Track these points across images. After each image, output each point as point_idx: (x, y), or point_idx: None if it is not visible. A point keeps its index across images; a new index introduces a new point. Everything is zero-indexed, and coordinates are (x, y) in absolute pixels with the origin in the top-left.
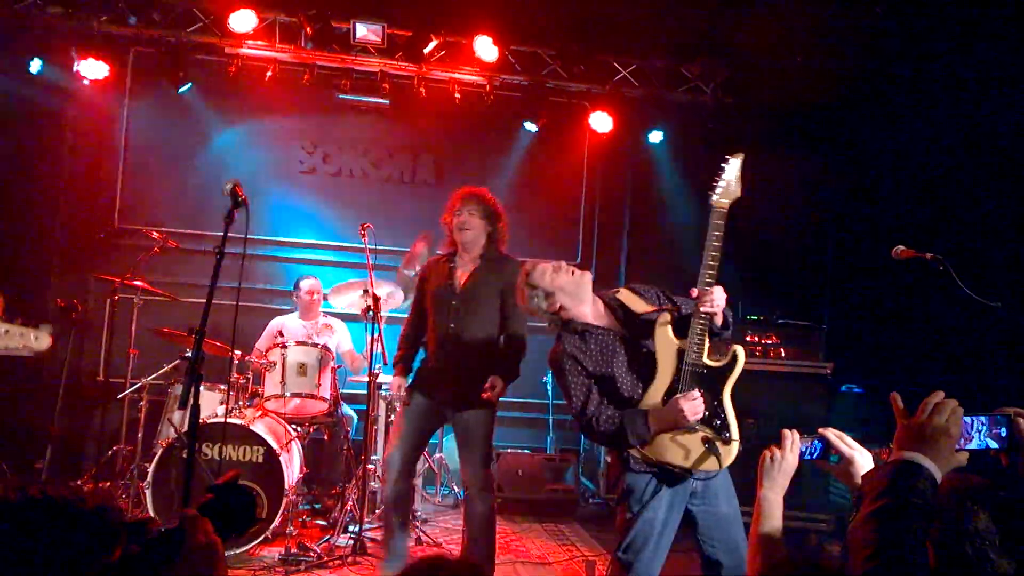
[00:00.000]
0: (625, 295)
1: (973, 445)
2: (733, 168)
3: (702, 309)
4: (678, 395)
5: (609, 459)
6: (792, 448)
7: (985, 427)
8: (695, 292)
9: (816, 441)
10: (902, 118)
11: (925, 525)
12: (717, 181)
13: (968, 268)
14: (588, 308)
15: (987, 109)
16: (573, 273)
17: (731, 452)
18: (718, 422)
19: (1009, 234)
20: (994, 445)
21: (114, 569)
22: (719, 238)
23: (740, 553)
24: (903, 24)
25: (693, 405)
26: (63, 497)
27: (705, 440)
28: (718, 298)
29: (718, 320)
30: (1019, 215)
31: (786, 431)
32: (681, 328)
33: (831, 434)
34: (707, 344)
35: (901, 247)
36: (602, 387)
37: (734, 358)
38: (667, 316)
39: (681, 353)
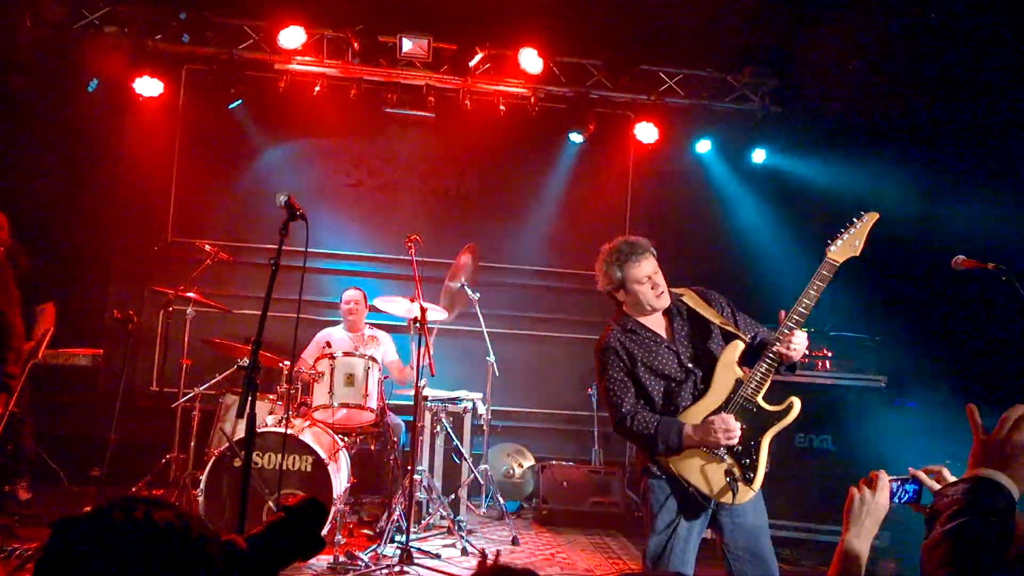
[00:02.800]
0: (691, 298)
1: None
2: (862, 225)
3: (777, 348)
4: (718, 417)
5: (636, 459)
6: (883, 489)
7: None
8: (783, 315)
9: (909, 483)
10: (959, 125)
11: (1004, 545)
12: (841, 233)
13: None
14: (652, 313)
15: None
16: (659, 295)
17: (748, 493)
18: (747, 461)
19: None
20: None
21: None
22: (820, 288)
23: (767, 565)
24: (957, 30)
25: (728, 428)
26: (168, 524)
27: (728, 473)
28: (798, 343)
29: (794, 360)
30: None
31: (878, 472)
32: (746, 356)
33: (923, 475)
34: (767, 384)
35: (962, 257)
36: (637, 387)
37: (788, 408)
38: (740, 345)
39: (738, 384)
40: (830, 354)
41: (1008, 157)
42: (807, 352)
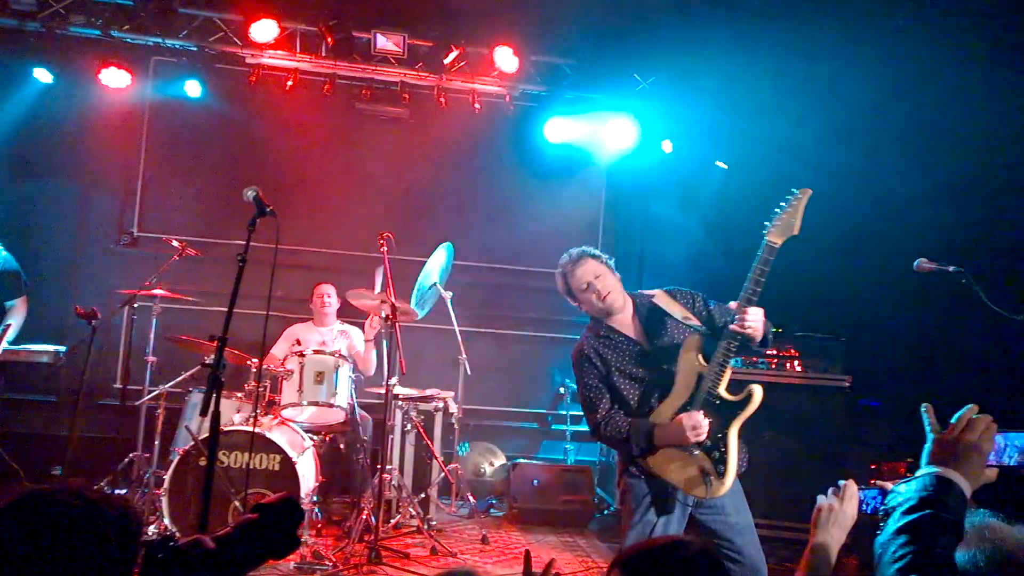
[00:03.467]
0: (661, 298)
1: (1007, 461)
2: (795, 203)
3: (734, 328)
4: (683, 413)
5: (618, 460)
6: (851, 499)
7: (1018, 444)
8: (735, 305)
9: (873, 491)
10: (925, 129)
11: (955, 541)
12: (777, 214)
13: (992, 281)
14: (617, 315)
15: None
16: (603, 299)
17: (722, 487)
18: (717, 454)
19: None
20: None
21: None
22: (763, 272)
23: (756, 562)
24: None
25: (696, 425)
26: (122, 510)
27: (701, 468)
28: (752, 319)
29: (756, 336)
30: None
31: (845, 481)
32: (712, 345)
33: (890, 485)
34: (728, 374)
35: (923, 260)
36: (613, 393)
37: (748, 397)
38: (697, 338)
39: (700, 378)
40: (796, 354)
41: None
42: (775, 352)
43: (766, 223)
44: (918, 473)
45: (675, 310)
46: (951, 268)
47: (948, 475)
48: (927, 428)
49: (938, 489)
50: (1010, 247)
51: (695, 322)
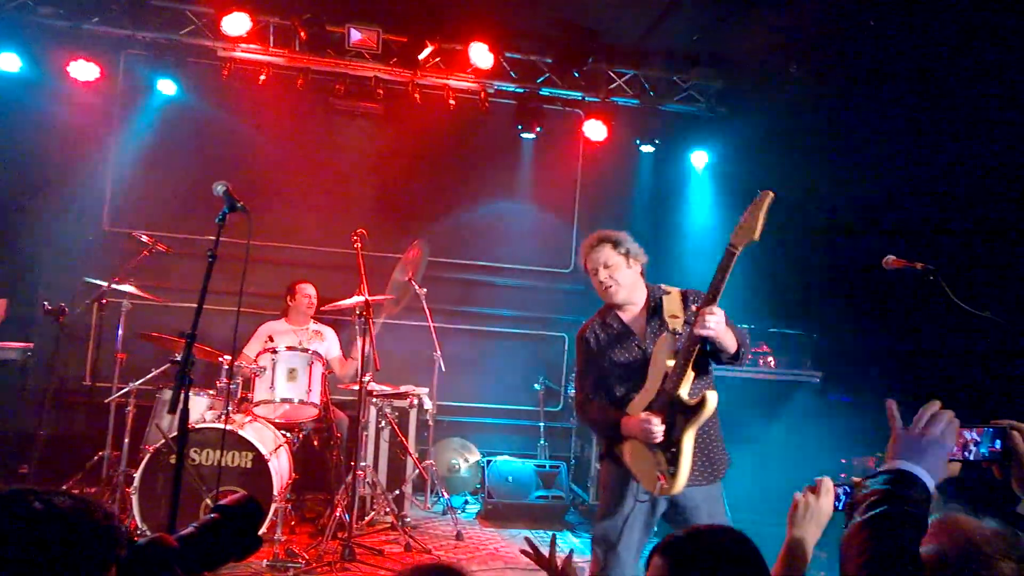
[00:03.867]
0: (670, 299)
1: (969, 456)
2: (759, 206)
3: (695, 331)
4: (643, 414)
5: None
6: (826, 494)
7: (980, 439)
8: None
9: (848, 487)
10: (894, 128)
11: (918, 535)
12: (739, 219)
13: (960, 278)
14: (627, 306)
15: (980, 117)
16: (606, 289)
17: (673, 487)
18: (670, 455)
19: (1000, 243)
20: (988, 457)
21: None
22: (723, 278)
23: None
24: (896, 33)
25: (649, 428)
26: (72, 508)
27: (657, 465)
28: (711, 321)
29: (728, 346)
30: (1010, 224)
31: (822, 478)
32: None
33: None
34: (689, 377)
35: (892, 257)
36: (602, 378)
37: (701, 403)
38: (670, 339)
39: (665, 377)
40: (769, 350)
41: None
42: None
43: (733, 235)
44: (881, 468)
45: (672, 318)
46: (919, 265)
47: (911, 470)
48: (892, 423)
49: (901, 484)
50: (978, 244)
51: (678, 326)
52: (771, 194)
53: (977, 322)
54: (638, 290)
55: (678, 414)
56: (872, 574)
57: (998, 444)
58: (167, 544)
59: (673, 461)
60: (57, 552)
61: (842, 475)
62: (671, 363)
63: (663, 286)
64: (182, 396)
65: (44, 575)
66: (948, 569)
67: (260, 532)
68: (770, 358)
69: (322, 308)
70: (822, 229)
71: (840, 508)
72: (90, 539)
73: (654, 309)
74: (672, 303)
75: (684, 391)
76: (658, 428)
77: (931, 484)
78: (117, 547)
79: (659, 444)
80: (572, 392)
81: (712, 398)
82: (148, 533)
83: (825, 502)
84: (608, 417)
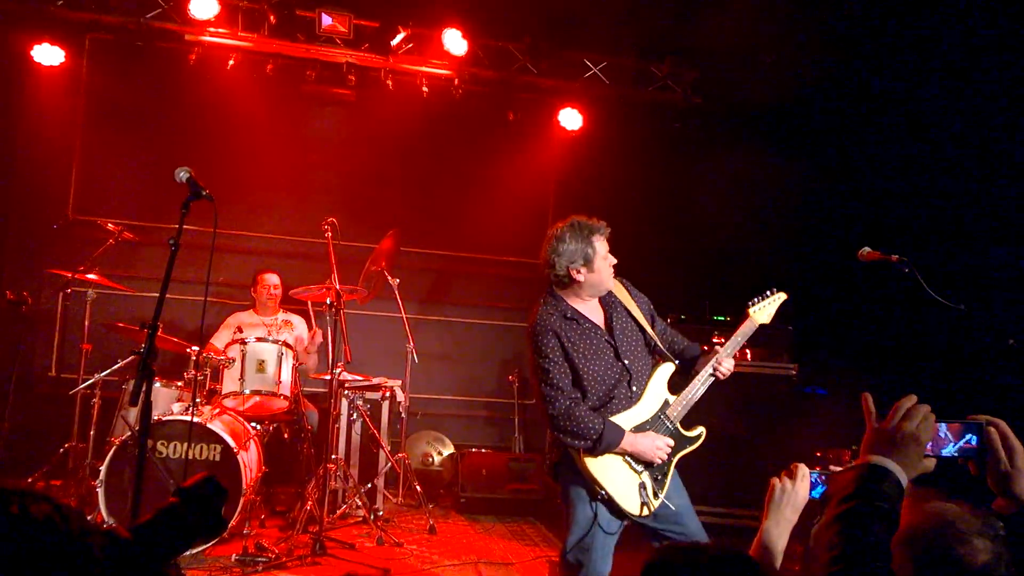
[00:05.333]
0: (619, 289)
1: (944, 452)
2: (775, 301)
3: (717, 371)
4: (654, 432)
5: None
6: (803, 479)
7: (955, 435)
8: (716, 339)
9: (823, 475)
10: (869, 118)
11: (890, 529)
12: (760, 300)
13: (934, 270)
14: (586, 297)
15: (953, 109)
16: (612, 276)
17: (652, 507)
18: (659, 476)
19: (975, 235)
20: (963, 453)
21: None
22: (740, 343)
23: (702, 539)
24: (870, 23)
25: (662, 448)
26: (47, 517)
27: (641, 486)
28: (728, 367)
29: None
30: (984, 216)
31: (798, 464)
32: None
33: (838, 469)
34: (689, 408)
35: (867, 249)
36: (575, 378)
37: (698, 436)
38: (671, 369)
39: (665, 404)
40: (744, 343)
41: (919, 148)
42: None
43: (750, 302)
44: (854, 462)
45: (637, 314)
46: (894, 257)
47: (884, 464)
48: (867, 417)
49: (874, 478)
50: (950, 235)
51: (653, 334)
52: (785, 296)
53: (952, 314)
54: None
55: (673, 439)
56: (842, 569)
57: (974, 440)
58: (119, 535)
59: (660, 484)
60: (26, 560)
61: (817, 467)
62: (670, 397)
63: None
64: (144, 388)
65: None
66: (919, 543)
67: (224, 513)
68: (746, 351)
69: (290, 293)
70: (797, 220)
71: (816, 495)
72: (63, 552)
73: (610, 304)
74: (628, 300)
75: (680, 422)
76: (668, 452)
77: (904, 480)
78: (92, 561)
79: (648, 466)
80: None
81: (703, 434)
82: (114, 526)
83: (801, 487)
84: (613, 431)
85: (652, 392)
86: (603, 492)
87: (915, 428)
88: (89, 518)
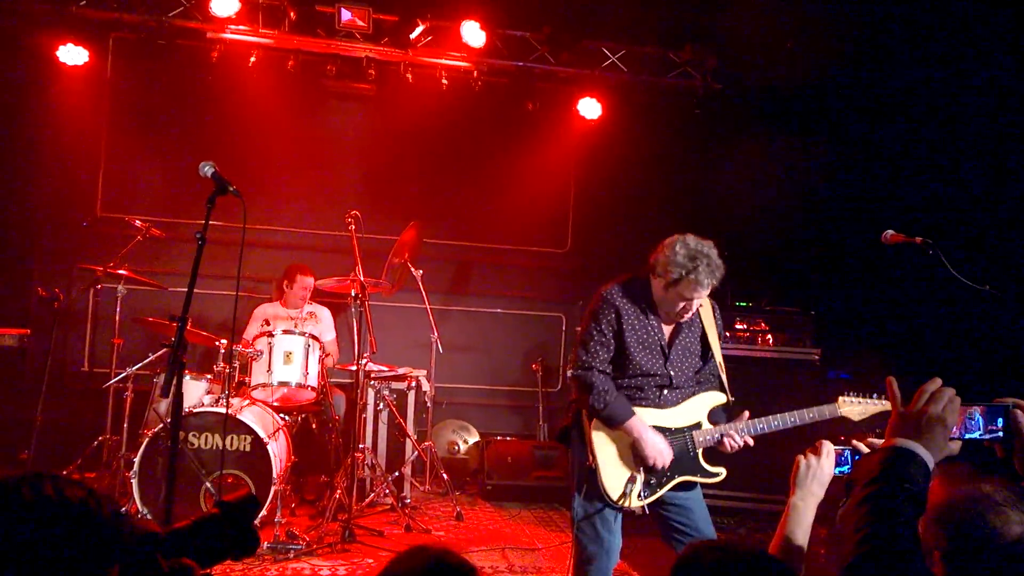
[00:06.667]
0: (706, 310)
1: (970, 435)
2: (876, 405)
3: (726, 440)
4: (660, 437)
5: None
6: (827, 456)
7: (981, 417)
8: (739, 324)
9: (847, 451)
10: (890, 102)
11: (917, 511)
12: (861, 401)
13: (959, 252)
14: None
15: (976, 91)
16: (686, 311)
17: (630, 503)
18: (653, 481)
19: (999, 217)
20: (989, 436)
21: None
22: (810, 420)
23: (708, 532)
24: (890, 6)
25: (661, 455)
26: (81, 501)
27: (631, 479)
28: (737, 446)
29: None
30: (1008, 198)
31: (821, 440)
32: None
33: (861, 444)
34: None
35: (891, 231)
36: (619, 356)
37: (717, 475)
38: (720, 400)
39: (697, 427)
40: (767, 328)
41: (942, 132)
42: (745, 326)
43: (845, 396)
44: (881, 446)
45: (713, 337)
46: (918, 239)
47: (911, 447)
48: (892, 401)
49: (901, 461)
50: (974, 217)
51: (719, 364)
52: (890, 406)
53: (977, 296)
54: None
55: (681, 458)
56: (870, 550)
57: (1000, 423)
58: (150, 532)
59: (651, 491)
60: (58, 542)
61: (841, 440)
62: (707, 422)
63: None
64: (175, 380)
65: (42, 563)
66: (953, 516)
67: (260, 516)
68: (768, 336)
69: (316, 284)
70: (819, 205)
71: (841, 472)
72: (95, 535)
73: (688, 322)
74: (708, 321)
75: (702, 451)
76: (666, 462)
77: (931, 463)
78: (121, 547)
79: (648, 466)
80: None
81: (723, 474)
82: (148, 516)
83: (826, 463)
84: (623, 404)
85: (690, 408)
86: (593, 463)
87: (941, 411)
88: (123, 509)
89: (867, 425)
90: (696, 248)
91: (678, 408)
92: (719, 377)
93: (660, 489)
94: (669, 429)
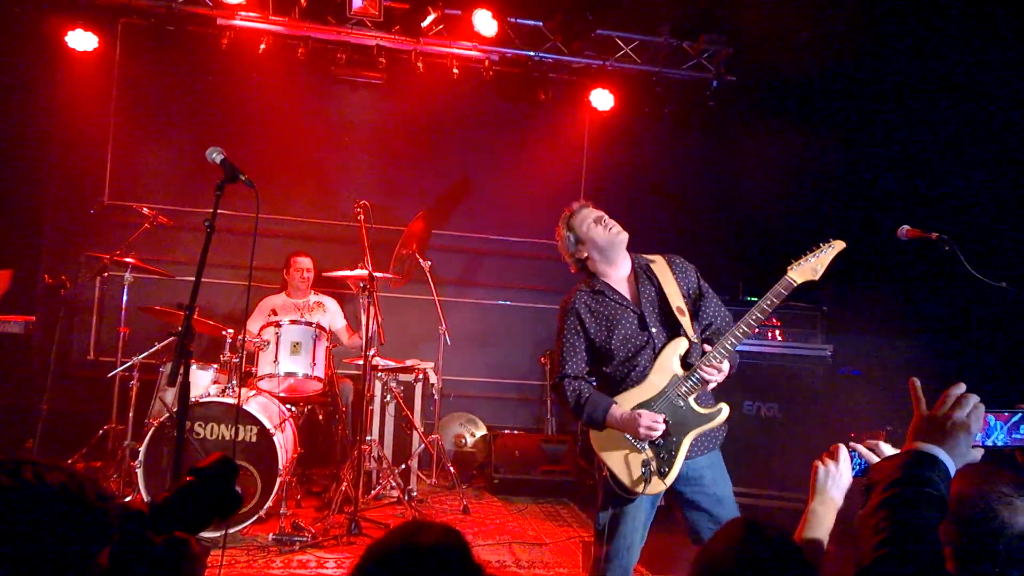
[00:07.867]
0: (660, 266)
1: (992, 442)
2: (827, 252)
3: (700, 373)
4: (643, 410)
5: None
6: (844, 461)
7: (1004, 424)
8: (707, 349)
9: (853, 453)
10: (906, 94)
11: (938, 515)
12: (806, 256)
13: (974, 248)
14: (613, 269)
15: (993, 83)
16: (610, 229)
17: (658, 486)
18: (665, 455)
19: (1018, 213)
20: (1011, 442)
21: (102, 572)
22: (773, 304)
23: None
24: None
25: (651, 426)
26: (62, 485)
27: (645, 464)
28: (718, 375)
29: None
30: None
31: (838, 445)
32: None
33: (862, 447)
34: (701, 389)
35: (907, 227)
36: (592, 354)
37: (717, 412)
38: (684, 344)
39: (675, 380)
40: (778, 323)
41: (958, 124)
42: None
43: (792, 260)
44: (902, 449)
45: (670, 290)
46: (934, 235)
47: (933, 451)
48: (915, 403)
49: (922, 465)
50: (991, 212)
51: (685, 314)
52: (842, 244)
53: (993, 293)
54: (625, 253)
55: (680, 418)
56: (889, 552)
57: (1023, 429)
58: (138, 510)
59: (668, 462)
60: (41, 527)
61: (852, 436)
62: (681, 371)
63: (640, 254)
64: (182, 369)
65: (25, 549)
66: (964, 506)
67: (258, 500)
68: (778, 332)
69: (324, 275)
70: (832, 199)
71: (856, 474)
72: (79, 518)
73: (643, 278)
74: (662, 271)
75: (692, 399)
76: (660, 429)
77: (952, 468)
78: (108, 529)
79: (652, 443)
80: (558, 366)
81: (726, 411)
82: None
83: (845, 468)
84: (596, 405)
85: (660, 367)
86: (607, 469)
87: (965, 417)
88: (129, 499)
89: (879, 415)
90: (568, 225)
91: (651, 375)
92: (685, 332)
93: (676, 458)
94: (652, 399)
